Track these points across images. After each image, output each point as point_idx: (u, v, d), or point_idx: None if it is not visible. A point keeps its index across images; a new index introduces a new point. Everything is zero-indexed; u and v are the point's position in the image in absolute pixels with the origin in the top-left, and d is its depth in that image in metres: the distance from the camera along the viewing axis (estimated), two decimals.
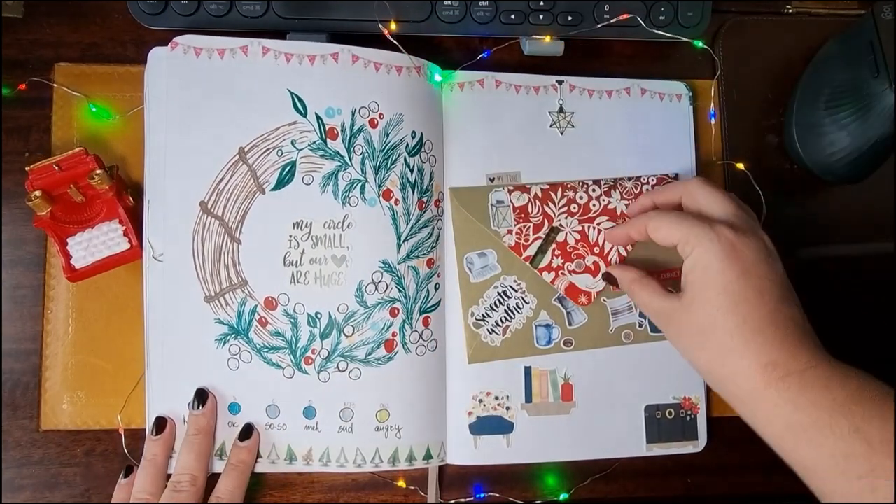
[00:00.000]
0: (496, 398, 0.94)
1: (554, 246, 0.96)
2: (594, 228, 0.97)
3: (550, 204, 0.97)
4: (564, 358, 0.97)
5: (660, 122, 1.01)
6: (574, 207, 0.97)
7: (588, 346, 0.98)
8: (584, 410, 0.97)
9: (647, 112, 1.01)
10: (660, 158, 1.01)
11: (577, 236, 0.97)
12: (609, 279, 0.94)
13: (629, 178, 0.99)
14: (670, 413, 0.99)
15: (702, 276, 0.78)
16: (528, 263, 0.95)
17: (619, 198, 0.98)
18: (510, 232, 0.95)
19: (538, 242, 0.96)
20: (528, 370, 0.96)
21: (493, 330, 0.94)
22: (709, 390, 0.99)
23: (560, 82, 0.99)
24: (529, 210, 0.96)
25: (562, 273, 0.96)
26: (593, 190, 0.98)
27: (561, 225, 0.97)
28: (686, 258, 0.81)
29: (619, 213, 0.97)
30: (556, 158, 0.99)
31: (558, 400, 0.96)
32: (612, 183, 0.98)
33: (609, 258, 0.96)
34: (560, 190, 0.97)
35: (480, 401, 0.93)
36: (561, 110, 0.99)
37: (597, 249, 0.97)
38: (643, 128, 1.01)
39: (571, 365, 0.97)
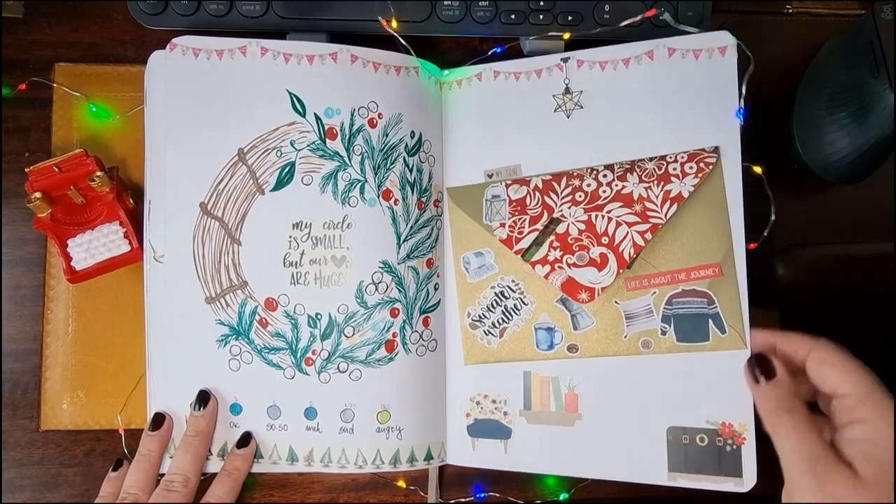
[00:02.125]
0: (493, 401, 0.91)
1: (552, 238, 0.89)
2: (603, 217, 0.88)
3: (552, 195, 0.90)
4: (568, 365, 0.90)
5: (694, 86, 0.88)
6: (579, 196, 0.89)
7: (596, 353, 0.89)
8: (590, 425, 0.89)
9: (678, 76, 0.88)
10: (695, 130, 0.87)
11: (582, 226, 0.88)
12: (758, 368, 0.79)
13: (650, 159, 0.88)
14: (702, 439, 0.86)
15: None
16: (519, 257, 0.89)
17: (636, 181, 0.88)
18: (502, 225, 0.90)
19: (534, 235, 0.89)
20: (527, 375, 0.91)
21: (489, 331, 0.92)
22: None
23: (566, 60, 0.92)
24: (527, 202, 0.91)
25: (559, 266, 0.88)
26: (604, 175, 0.89)
27: (562, 215, 0.89)
28: (859, 422, 0.72)
29: (635, 199, 0.87)
30: (562, 146, 0.91)
31: (561, 410, 0.90)
32: (628, 166, 0.89)
33: (621, 249, 0.87)
34: (564, 179, 0.90)
35: (478, 403, 0.91)
36: (567, 91, 0.92)
37: (605, 240, 0.87)
38: (672, 96, 0.89)
39: (577, 373, 0.90)
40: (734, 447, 0.85)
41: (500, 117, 0.93)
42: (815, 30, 1.02)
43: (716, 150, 0.86)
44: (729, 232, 0.86)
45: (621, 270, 0.87)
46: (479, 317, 0.92)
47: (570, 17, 0.94)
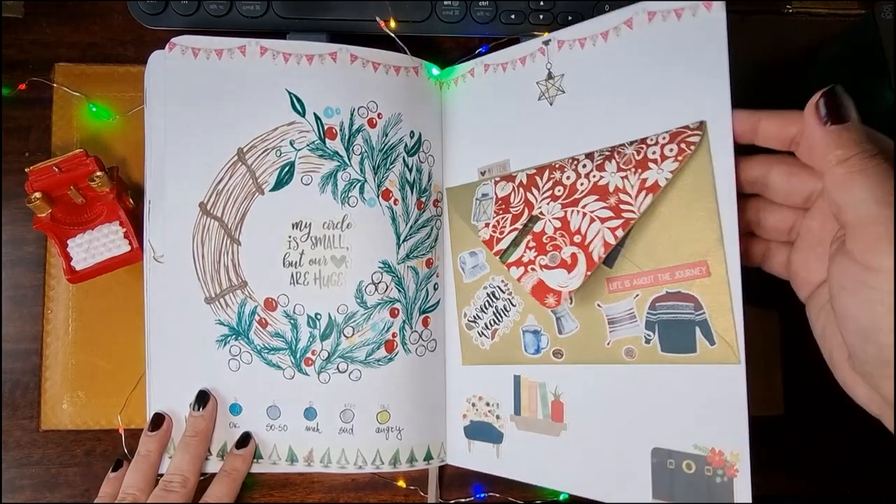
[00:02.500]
0: (487, 404, 0.89)
1: (529, 237, 0.83)
2: (578, 212, 0.79)
3: (534, 190, 0.84)
4: (555, 371, 0.84)
5: (678, 51, 0.75)
6: (559, 190, 0.81)
7: (581, 359, 0.82)
8: (575, 436, 0.82)
9: (660, 42, 0.76)
10: (680, 105, 0.74)
11: (558, 224, 0.81)
12: (826, 107, 0.65)
13: (630, 143, 0.77)
14: (689, 466, 0.74)
15: None
16: (497, 258, 0.86)
17: (614, 170, 0.77)
18: (487, 225, 0.87)
19: (514, 234, 0.84)
20: (517, 379, 0.87)
21: (482, 333, 0.89)
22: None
23: (547, 42, 0.84)
24: (511, 199, 0.86)
25: (531, 268, 0.82)
26: (584, 166, 0.80)
27: (541, 213, 0.82)
28: None
29: (611, 190, 0.77)
30: (546, 136, 0.84)
31: (548, 418, 0.84)
32: (607, 153, 0.79)
33: (591, 248, 0.77)
34: (547, 172, 0.83)
35: (473, 404, 0.90)
36: (549, 76, 0.84)
37: (577, 238, 0.78)
38: (654, 67, 0.77)
39: (563, 380, 0.83)
40: (725, 479, 0.72)
41: (491, 111, 0.90)
42: (815, 30, 1.01)
43: (701, 125, 0.73)
44: (718, 223, 0.72)
45: (589, 272, 0.78)
46: (474, 317, 0.90)
47: (570, 17, 0.94)
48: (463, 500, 0.95)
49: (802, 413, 0.97)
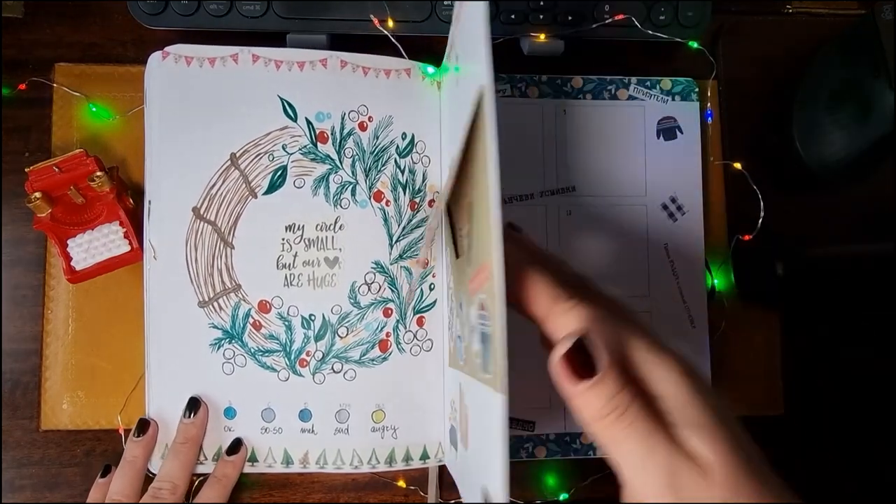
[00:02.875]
0: (457, 409, 0.81)
1: None
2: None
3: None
4: (467, 382, 0.71)
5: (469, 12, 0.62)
6: None
7: (467, 371, 0.70)
8: (468, 457, 0.72)
9: None
10: (481, 66, 0.56)
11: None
12: (575, 365, 0.55)
13: None
14: None
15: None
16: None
17: None
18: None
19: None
20: (461, 387, 0.75)
21: (453, 336, 0.85)
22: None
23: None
24: None
25: None
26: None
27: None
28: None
29: None
30: (460, 120, 0.68)
31: (466, 431, 0.73)
32: None
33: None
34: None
35: (453, 408, 0.86)
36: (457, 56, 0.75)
37: None
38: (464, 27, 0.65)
39: (466, 392, 0.72)
40: None
41: (449, 104, 0.86)
42: (815, 30, 1.01)
43: (481, 89, 0.57)
44: (489, 209, 0.54)
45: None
46: (451, 319, 0.87)
47: (570, 17, 0.93)
48: (463, 500, 0.95)
49: (802, 413, 0.97)
